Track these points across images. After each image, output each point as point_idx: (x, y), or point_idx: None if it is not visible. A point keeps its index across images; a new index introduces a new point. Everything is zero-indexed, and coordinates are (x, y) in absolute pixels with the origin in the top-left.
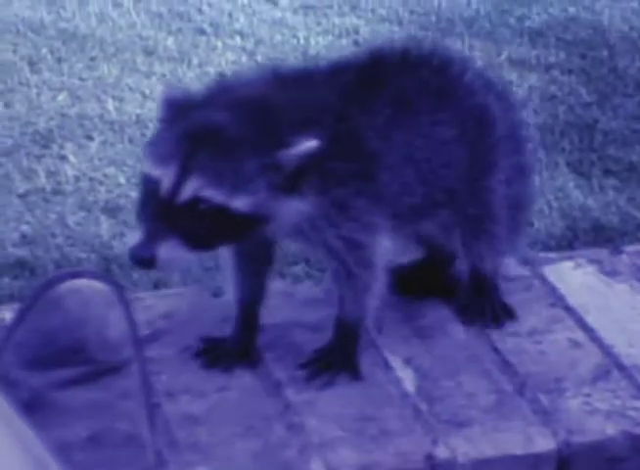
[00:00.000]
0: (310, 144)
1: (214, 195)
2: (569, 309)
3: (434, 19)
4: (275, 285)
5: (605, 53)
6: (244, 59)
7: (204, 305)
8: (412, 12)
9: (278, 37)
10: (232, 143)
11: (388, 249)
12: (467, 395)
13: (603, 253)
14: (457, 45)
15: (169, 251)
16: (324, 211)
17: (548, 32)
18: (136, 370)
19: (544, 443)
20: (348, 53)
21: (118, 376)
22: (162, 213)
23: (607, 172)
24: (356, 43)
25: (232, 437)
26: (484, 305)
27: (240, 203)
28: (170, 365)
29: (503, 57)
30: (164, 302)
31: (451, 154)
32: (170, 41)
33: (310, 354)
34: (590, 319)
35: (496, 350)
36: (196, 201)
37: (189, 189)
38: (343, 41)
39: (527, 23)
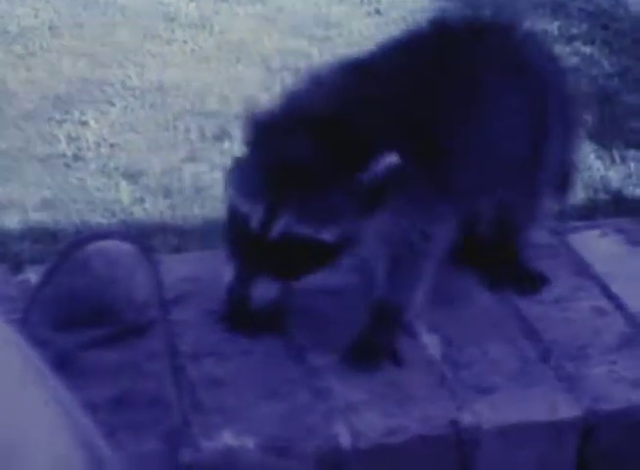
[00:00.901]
0: (391, 160)
1: (304, 229)
2: (594, 277)
3: None
4: None
5: (627, 24)
6: (264, 26)
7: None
8: None
9: (299, 5)
10: (316, 174)
11: (449, 238)
12: (492, 361)
13: (628, 222)
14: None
15: (263, 289)
16: (402, 217)
17: (570, 3)
18: (162, 331)
19: (569, 410)
20: (370, 23)
21: (144, 337)
22: (254, 251)
23: (628, 144)
24: (378, 12)
25: (257, 400)
26: (515, 273)
27: (329, 233)
28: (195, 328)
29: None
30: (188, 265)
31: (518, 128)
32: (192, 7)
33: (347, 343)
34: (615, 287)
35: (521, 317)
36: (286, 237)
37: (279, 226)
38: (364, 9)
39: None
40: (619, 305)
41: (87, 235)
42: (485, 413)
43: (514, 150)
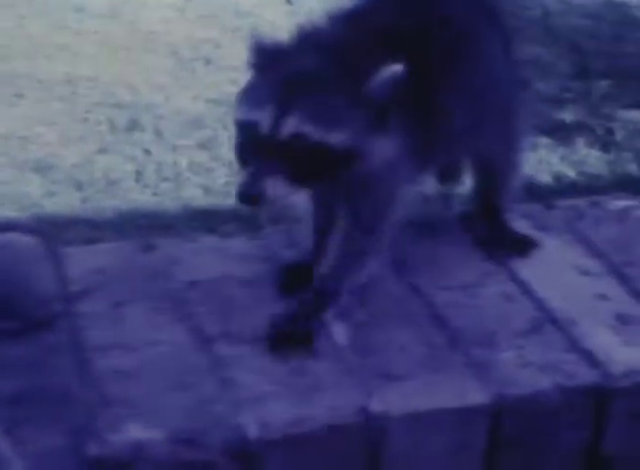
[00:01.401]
0: (396, 69)
1: (312, 131)
2: (502, 263)
3: None
4: (206, 240)
5: (538, 12)
6: (174, 16)
7: (134, 260)
8: None
9: None
10: (324, 83)
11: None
12: (400, 348)
13: (535, 208)
14: None
15: (275, 187)
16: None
17: None
18: (66, 325)
19: (477, 396)
20: (281, 12)
21: (48, 331)
22: (264, 152)
23: (539, 131)
24: (288, 1)
25: (163, 391)
26: (504, 237)
27: (336, 138)
28: (102, 320)
29: None
30: (95, 257)
31: (495, 73)
32: None
33: (273, 321)
34: (523, 273)
35: (429, 303)
36: (295, 137)
37: (289, 126)
38: None
39: None
40: (527, 291)
41: None
42: (394, 400)
43: (494, 94)
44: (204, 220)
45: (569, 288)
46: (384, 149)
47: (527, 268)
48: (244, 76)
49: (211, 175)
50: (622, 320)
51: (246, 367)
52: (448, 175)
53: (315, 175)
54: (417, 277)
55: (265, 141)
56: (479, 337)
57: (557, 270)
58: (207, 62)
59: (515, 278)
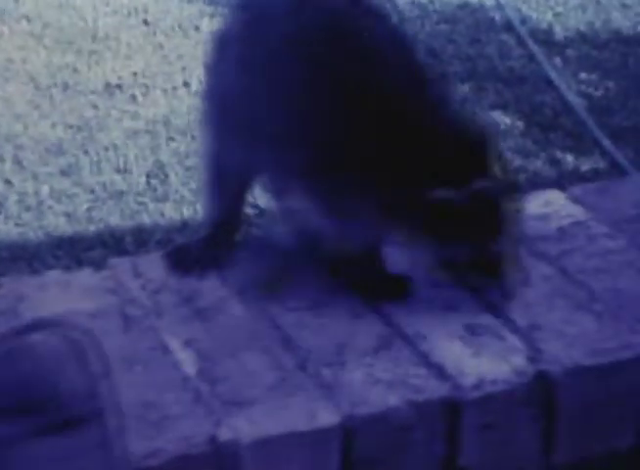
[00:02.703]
0: None
1: None
2: None
3: None
4: (51, 274)
5: (394, 19)
6: (31, 43)
7: None
8: None
9: (65, 20)
10: None
11: None
12: (249, 374)
13: None
14: None
15: None
16: None
17: None
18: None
19: (328, 417)
20: (138, 33)
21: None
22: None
23: None
24: (145, 22)
25: None
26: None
27: None
28: None
29: None
30: None
31: None
32: None
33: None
34: None
35: (277, 325)
36: None
37: None
38: (132, 20)
39: None
40: (375, 307)
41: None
42: (244, 427)
43: None
44: (69, 248)
45: (417, 301)
46: None
47: None
48: (102, 100)
49: (74, 202)
50: (471, 331)
51: None
52: None
53: None
54: (262, 299)
55: None
56: (328, 357)
57: None
58: (65, 87)
59: None
